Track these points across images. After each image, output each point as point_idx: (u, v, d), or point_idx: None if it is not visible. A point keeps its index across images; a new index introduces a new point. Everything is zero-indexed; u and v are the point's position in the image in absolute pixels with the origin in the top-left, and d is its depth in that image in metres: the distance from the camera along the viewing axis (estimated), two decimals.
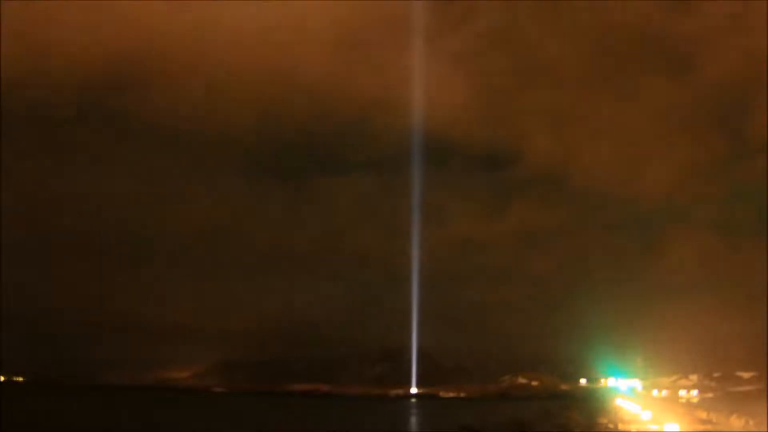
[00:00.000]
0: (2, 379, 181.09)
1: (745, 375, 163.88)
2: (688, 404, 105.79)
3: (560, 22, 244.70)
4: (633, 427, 57.68)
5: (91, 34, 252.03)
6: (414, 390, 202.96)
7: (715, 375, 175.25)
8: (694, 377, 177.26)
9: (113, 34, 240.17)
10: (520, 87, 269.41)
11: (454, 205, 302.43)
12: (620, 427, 58.49)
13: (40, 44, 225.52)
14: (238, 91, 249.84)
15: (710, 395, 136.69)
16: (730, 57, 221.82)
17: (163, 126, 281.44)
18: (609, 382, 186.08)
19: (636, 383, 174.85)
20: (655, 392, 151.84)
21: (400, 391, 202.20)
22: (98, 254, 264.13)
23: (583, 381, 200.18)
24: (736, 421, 56.52)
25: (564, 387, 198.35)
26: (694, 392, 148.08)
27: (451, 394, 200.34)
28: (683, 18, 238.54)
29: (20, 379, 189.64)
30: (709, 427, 56.12)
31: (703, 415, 69.04)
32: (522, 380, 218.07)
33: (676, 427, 49.10)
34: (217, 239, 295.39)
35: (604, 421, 65.47)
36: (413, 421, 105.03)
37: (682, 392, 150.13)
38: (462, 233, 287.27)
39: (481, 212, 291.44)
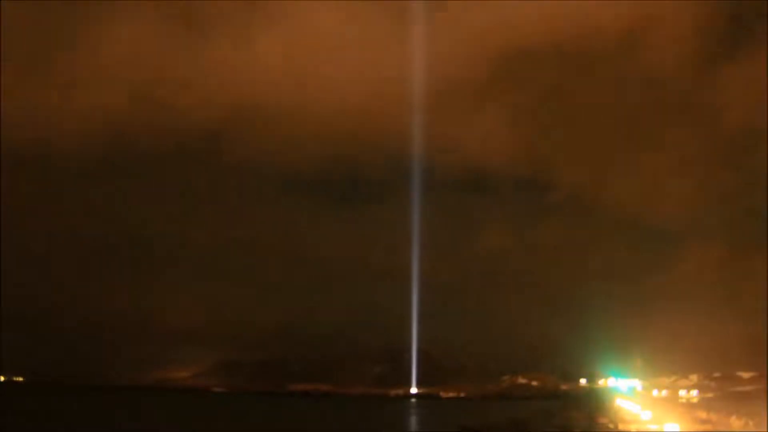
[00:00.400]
0: (2, 379, 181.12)
1: (745, 375, 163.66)
2: (688, 404, 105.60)
3: (599, 80, 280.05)
4: (633, 427, 57.66)
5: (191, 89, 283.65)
6: (414, 390, 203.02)
7: (715, 375, 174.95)
8: (694, 377, 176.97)
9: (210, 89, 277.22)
10: (560, 131, 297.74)
11: (474, 219, 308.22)
12: (620, 427, 58.48)
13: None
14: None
15: (710, 395, 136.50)
16: (747, 112, 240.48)
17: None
18: (609, 382, 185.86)
19: (636, 383, 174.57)
20: (655, 392, 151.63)
21: (400, 391, 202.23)
22: (100, 256, 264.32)
23: (583, 381, 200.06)
24: (736, 421, 56.43)
25: (564, 387, 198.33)
26: (694, 392, 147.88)
27: (451, 394, 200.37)
28: (709, 82, 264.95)
29: (20, 379, 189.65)
30: (709, 427, 56.03)
31: (703, 415, 68.89)
32: (522, 380, 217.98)
33: (676, 427, 49.04)
34: (223, 245, 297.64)
35: (604, 421, 65.45)
36: (413, 421, 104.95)
37: (682, 392, 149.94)
38: (476, 243, 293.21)
39: (499, 227, 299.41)
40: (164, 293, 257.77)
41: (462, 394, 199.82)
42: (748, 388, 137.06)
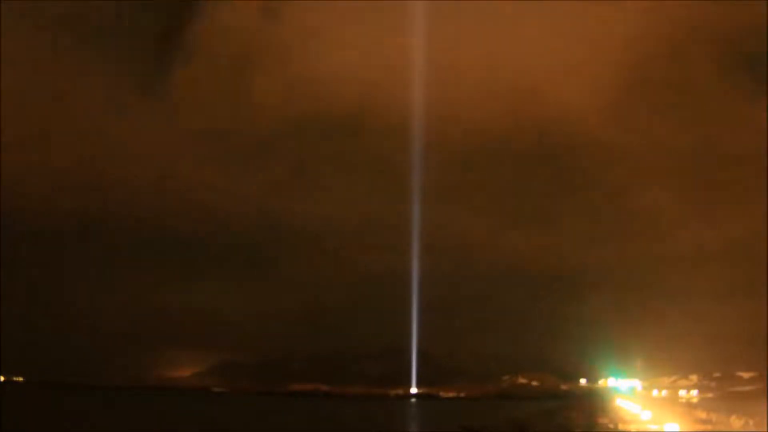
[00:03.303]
0: (2, 379, 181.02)
1: (745, 375, 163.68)
2: (688, 404, 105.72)
3: None
4: (633, 427, 57.57)
5: None
6: (414, 390, 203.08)
7: (715, 375, 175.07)
8: (694, 377, 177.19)
9: None
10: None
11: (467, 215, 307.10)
12: (620, 427, 58.41)
13: None
14: None
15: (710, 395, 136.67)
16: None
17: None
18: (609, 382, 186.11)
19: (636, 383, 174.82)
20: (655, 392, 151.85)
21: (400, 391, 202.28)
22: (101, 256, 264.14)
23: (583, 381, 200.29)
24: (736, 421, 56.38)
25: (564, 387, 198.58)
26: (694, 392, 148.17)
27: (451, 394, 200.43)
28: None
29: (20, 379, 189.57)
30: (709, 427, 55.97)
31: (703, 415, 68.89)
32: (522, 380, 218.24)
33: (676, 427, 49.02)
34: (221, 244, 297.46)
35: (604, 421, 65.40)
36: (413, 421, 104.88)
37: (682, 392, 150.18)
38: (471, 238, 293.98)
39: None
40: (164, 293, 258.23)
41: (462, 394, 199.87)
42: (748, 388, 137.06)
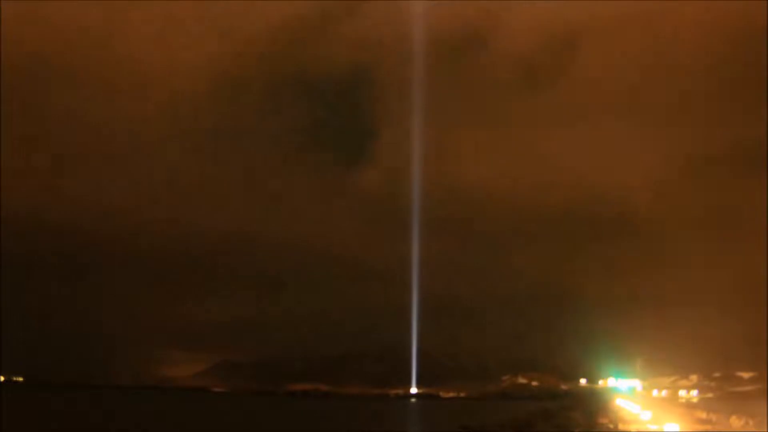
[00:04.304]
0: (2, 379, 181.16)
1: (745, 375, 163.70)
2: (688, 404, 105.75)
3: None
4: (633, 427, 57.47)
5: None
6: (414, 390, 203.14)
7: (715, 375, 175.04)
8: (694, 377, 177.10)
9: None
10: None
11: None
12: (620, 427, 58.32)
13: None
14: None
15: (710, 395, 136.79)
16: None
17: None
18: (609, 382, 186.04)
19: (636, 383, 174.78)
20: (655, 392, 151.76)
21: (400, 391, 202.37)
22: (101, 257, 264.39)
23: (583, 381, 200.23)
24: (736, 421, 56.33)
25: (564, 387, 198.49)
26: (694, 392, 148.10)
27: (451, 394, 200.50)
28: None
29: (20, 379, 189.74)
30: (709, 427, 55.90)
31: (703, 415, 68.83)
32: (522, 380, 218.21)
33: (676, 427, 48.93)
34: (220, 245, 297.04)
35: (604, 421, 65.31)
36: (413, 421, 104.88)
37: (682, 392, 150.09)
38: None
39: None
40: (165, 294, 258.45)
41: (462, 394, 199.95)
42: (748, 388, 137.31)
